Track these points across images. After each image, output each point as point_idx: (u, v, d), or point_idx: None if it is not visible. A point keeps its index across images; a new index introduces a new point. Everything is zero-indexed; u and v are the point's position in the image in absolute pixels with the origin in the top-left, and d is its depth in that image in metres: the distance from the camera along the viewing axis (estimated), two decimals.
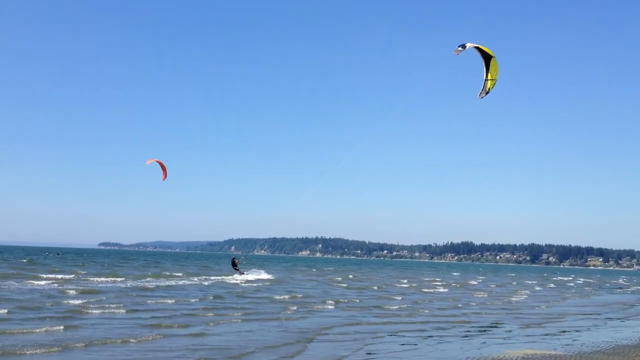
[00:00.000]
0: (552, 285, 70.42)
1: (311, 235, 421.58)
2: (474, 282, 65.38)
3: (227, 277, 51.23)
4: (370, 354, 16.21)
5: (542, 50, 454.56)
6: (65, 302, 25.08)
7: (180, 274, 54.05)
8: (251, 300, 30.50)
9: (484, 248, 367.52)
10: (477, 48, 18.83)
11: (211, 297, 30.61)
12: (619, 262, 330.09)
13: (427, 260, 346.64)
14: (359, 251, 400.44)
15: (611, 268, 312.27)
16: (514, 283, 70.28)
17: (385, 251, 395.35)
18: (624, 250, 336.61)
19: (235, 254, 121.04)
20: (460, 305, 32.93)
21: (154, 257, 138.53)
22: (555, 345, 18.49)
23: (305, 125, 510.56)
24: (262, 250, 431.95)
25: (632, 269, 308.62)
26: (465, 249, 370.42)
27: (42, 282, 36.40)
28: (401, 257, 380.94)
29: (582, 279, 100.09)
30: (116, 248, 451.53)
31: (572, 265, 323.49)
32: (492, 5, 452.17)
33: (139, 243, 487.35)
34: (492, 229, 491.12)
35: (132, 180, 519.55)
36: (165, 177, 37.72)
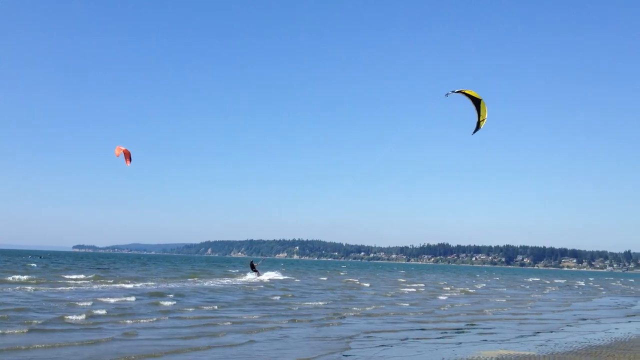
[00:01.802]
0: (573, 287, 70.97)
1: (288, 237, 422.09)
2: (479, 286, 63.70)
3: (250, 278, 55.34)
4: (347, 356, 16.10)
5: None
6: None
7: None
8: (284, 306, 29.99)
9: (460, 250, 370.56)
10: (465, 94, 20.13)
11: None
12: (592, 263, 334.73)
13: (404, 262, 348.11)
14: (337, 253, 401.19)
15: (584, 269, 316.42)
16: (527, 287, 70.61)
17: (363, 253, 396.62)
18: (597, 252, 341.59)
19: (254, 258, 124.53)
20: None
21: (157, 261, 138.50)
22: (529, 346, 18.53)
23: (283, 129, 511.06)
24: (239, 253, 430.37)
25: (605, 270, 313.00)
26: (442, 251, 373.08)
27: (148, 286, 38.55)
28: (378, 258, 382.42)
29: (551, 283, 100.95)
30: (91, 251, 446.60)
31: (547, 267, 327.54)
32: (491, 7, 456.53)
33: (114, 245, 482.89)
34: (468, 231, 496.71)
35: (105, 182, 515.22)
36: (130, 162, 35.91)
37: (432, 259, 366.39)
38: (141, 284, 41.75)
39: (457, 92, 20.23)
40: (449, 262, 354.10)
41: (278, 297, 33.95)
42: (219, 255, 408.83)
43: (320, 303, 31.34)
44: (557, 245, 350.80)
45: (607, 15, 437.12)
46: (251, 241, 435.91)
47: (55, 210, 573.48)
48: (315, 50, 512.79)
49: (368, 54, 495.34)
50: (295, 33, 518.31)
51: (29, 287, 33.46)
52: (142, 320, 21.06)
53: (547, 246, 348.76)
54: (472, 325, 24.55)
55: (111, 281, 43.02)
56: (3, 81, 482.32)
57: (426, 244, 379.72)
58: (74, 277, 46.10)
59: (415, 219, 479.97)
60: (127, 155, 34.26)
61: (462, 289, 54.56)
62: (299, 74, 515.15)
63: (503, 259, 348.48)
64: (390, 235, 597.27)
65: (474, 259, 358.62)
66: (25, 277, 42.65)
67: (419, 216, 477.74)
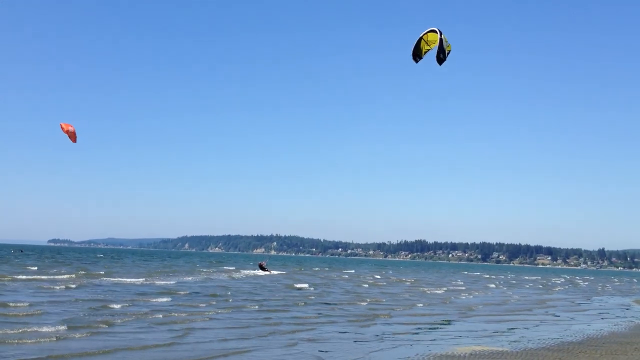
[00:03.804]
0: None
1: (266, 232, 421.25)
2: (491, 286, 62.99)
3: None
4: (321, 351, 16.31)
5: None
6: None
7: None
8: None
9: (436, 246, 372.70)
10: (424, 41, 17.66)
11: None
12: (567, 260, 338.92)
13: (381, 259, 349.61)
14: (314, 249, 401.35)
15: (559, 267, 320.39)
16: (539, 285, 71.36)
17: (340, 249, 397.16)
18: (572, 249, 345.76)
19: (262, 255, 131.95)
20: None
21: (151, 256, 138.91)
22: (502, 342, 18.86)
23: (262, 125, 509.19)
24: (217, 248, 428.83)
25: (579, 267, 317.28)
26: (419, 247, 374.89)
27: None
28: (356, 255, 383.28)
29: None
30: (66, 245, 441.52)
31: (522, 264, 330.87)
32: (489, 7, 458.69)
33: (90, 240, 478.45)
34: (445, 228, 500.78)
35: (81, 176, 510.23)
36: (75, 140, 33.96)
37: (410, 255, 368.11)
38: (171, 280, 43.69)
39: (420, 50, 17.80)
40: (425, 259, 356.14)
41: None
42: (196, 250, 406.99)
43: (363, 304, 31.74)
44: (533, 242, 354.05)
45: (608, 14, 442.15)
46: (229, 236, 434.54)
47: (30, 204, 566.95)
48: (301, 47, 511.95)
49: (349, 51, 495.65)
50: (277, 29, 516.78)
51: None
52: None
53: (523, 243, 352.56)
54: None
55: (142, 279, 43.69)
56: None
57: (403, 241, 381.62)
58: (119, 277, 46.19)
59: (392, 216, 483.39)
60: (73, 135, 32.60)
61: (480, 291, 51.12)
62: (281, 71, 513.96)
63: (479, 256, 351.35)
64: (367, 232, 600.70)
65: (450, 255, 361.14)
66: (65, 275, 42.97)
67: (396, 213, 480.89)
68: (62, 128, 32.16)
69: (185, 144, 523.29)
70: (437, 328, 22.64)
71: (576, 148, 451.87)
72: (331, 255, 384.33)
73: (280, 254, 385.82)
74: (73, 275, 42.51)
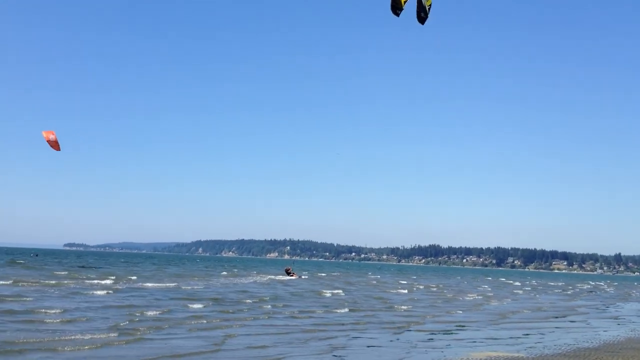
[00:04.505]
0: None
1: (279, 237, 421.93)
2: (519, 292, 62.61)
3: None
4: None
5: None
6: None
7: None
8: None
9: (450, 251, 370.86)
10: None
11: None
12: (583, 265, 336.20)
13: (395, 263, 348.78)
14: (328, 253, 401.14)
15: (575, 272, 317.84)
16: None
17: (354, 253, 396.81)
18: (588, 254, 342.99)
19: (287, 261, 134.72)
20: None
21: (170, 260, 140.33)
22: (518, 348, 18.95)
23: (277, 129, 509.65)
24: (230, 252, 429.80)
25: (595, 272, 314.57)
26: (433, 252, 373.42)
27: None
28: (369, 259, 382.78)
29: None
30: (82, 249, 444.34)
31: (537, 269, 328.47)
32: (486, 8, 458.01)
33: (105, 244, 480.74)
34: (459, 232, 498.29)
35: (96, 180, 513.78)
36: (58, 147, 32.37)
37: (423, 260, 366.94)
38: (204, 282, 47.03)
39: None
40: (439, 264, 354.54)
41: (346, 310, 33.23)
42: (210, 255, 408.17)
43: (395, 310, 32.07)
44: (548, 247, 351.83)
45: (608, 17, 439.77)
46: (242, 241, 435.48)
47: (46, 208, 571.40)
48: (315, 45, 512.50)
49: (368, 50, 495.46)
50: (280, 28, 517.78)
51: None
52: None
53: (538, 248, 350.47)
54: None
55: (172, 284, 44.40)
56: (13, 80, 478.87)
57: (417, 245, 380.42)
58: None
59: (406, 220, 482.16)
60: (55, 143, 30.99)
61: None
62: (294, 70, 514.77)
63: (494, 261, 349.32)
64: (381, 236, 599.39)
65: (464, 260, 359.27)
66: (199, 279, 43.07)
67: (409, 217, 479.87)
68: (44, 137, 31.13)
69: (198, 148, 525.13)
70: (456, 333, 22.76)
71: (592, 152, 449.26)
72: (344, 259, 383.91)
73: (293, 258, 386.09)
74: (105, 281, 42.74)
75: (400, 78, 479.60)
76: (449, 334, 22.63)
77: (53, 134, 30.95)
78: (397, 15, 15.85)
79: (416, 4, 15.48)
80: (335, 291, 45.51)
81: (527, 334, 23.09)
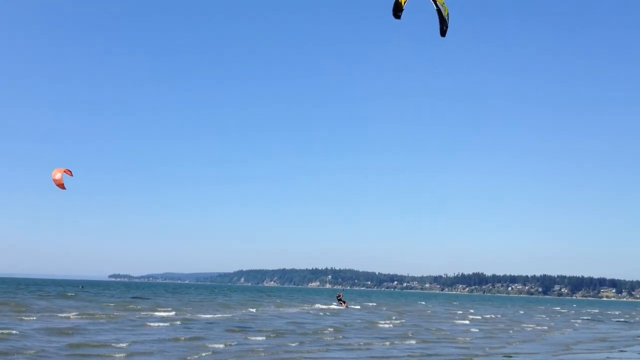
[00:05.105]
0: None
1: (321, 266, 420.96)
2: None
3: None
4: None
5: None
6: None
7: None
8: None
9: (495, 279, 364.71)
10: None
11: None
12: (632, 293, 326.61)
13: (438, 292, 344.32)
14: (369, 282, 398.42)
15: (624, 299, 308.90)
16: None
17: (396, 282, 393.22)
18: (637, 282, 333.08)
19: (336, 289, 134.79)
20: None
21: (216, 291, 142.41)
22: None
23: (324, 157, 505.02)
24: (272, 282, 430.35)
25: None
26: (476, 280, 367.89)
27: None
28: (411, 288, 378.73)
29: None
30: (126, 280, 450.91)
31: (585, 297, 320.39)
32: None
33: (148, 275, 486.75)
34: (503, 260, 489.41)
35: (139, 211, 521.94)
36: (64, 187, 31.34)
37: (467, 289, 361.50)
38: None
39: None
40: (484, 292, 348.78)
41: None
42: (252, 284, 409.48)
43: (456, 342, 31.69)
44: (596, 274, 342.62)
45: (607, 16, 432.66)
46: (284, 270, 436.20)
47: (92, 241, 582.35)
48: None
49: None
50: (298, 34, 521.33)
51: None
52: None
53: (586, 275, 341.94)
54: None
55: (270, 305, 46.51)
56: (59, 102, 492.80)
57: (460, 274, 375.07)
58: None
59: (449, 248, 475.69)
60: (60, 184, 30.86)
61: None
62: (335, 83, 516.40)
63: (540, 289, 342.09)
64: (423, 265, 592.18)
65: (510, 288, 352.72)
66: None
67: (452, 245, 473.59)
68: (60, 175, 30.25)
69: (238, 175, 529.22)
70: None
71: (634, 176, 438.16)
72: (386, 288, 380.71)
73: (335, 287, 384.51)
74: (160, 313, 42.68)
75: (454, 103, 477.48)
76: None
77: (60, 173, 30.30)
78: (399, 17, 15.69)
79: (438, 18, 15.38)
80: (393, 321, 44.96)
81: None
